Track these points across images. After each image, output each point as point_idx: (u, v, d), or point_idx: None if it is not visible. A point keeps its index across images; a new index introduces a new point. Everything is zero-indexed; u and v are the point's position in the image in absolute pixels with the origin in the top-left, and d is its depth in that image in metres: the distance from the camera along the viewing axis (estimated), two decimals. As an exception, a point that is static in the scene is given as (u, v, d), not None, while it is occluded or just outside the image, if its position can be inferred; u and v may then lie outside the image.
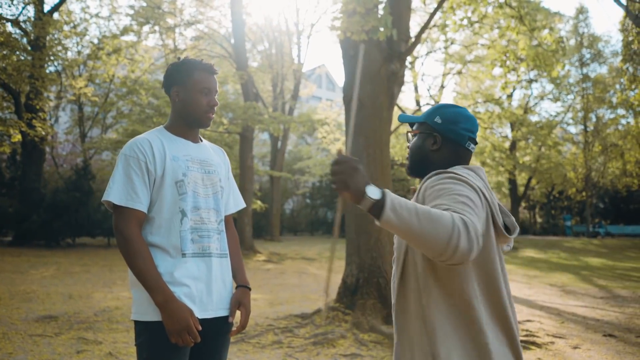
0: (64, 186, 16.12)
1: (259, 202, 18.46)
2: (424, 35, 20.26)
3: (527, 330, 5.55)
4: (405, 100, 26.96)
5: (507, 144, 25.85)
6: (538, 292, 8.88)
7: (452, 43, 18.37)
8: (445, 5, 7.00)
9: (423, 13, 19.67)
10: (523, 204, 32.41)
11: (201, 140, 2.07)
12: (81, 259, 12.30)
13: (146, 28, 20.97)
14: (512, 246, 1.53)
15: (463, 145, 1.55)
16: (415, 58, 21.81)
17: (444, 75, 22.51)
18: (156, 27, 21.23)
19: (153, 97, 14.15)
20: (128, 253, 1.77)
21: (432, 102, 22.21)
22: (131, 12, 20.84)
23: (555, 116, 26.58)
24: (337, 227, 1.32)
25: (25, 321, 5.35)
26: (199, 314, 1.84)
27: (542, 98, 26.41)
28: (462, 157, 1.55)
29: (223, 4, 21.90)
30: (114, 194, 1.82)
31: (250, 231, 15.08)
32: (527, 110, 25.60)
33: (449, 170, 1.43)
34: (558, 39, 8.11)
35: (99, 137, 20.02)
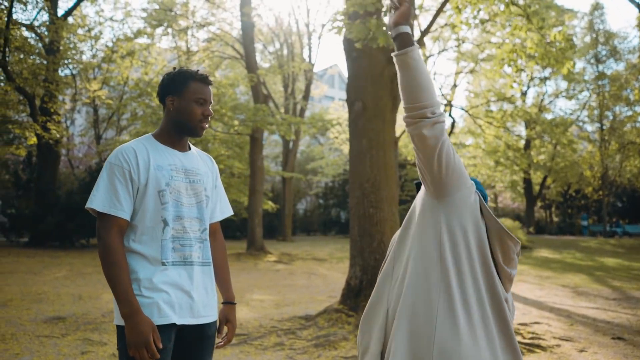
0: (79, 188, 16.36)
1: (270, 202, 18.52)
2: (435, 34, 20.14)
3: (533, 333, 5.49)
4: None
5: (521, 143, 25.57)
6: (549, 294, 8.77)
7: (463, 42, 18.21)
8: (451, 5, 6.94)
9: (430, 15, 19.53)
10: (539, 203, 32.02)
11: (189, 149, 2.09)
12: (94, 260, 12.47)
13: (159, 30, 21.18)
14: (514, 275, 1.62)
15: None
16: (427, 57, 21.69)
17: (457, 73, 22.33)
18: (169, 30, 21.43)
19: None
20: (105, 261, 1.81)
21: (444, 102, 22.06)
22: (144, 15, 21.07)
23: (571, 114, 26.22)
24: None
25: (34, 322, 5.45)
26: (179, 320, 1.86)
27: (557, 96, 26.06)
28: None
29: (234, 5, 22.06)
30: (97, 201, 1.85)
31: (260, 232, 15.14)
32: (541, 108, 25.28)
33: None
34: (568, 36, 7.99)
35: (114, 139, 20.29)
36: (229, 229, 23.82)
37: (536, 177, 27.91)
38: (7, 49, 14.23)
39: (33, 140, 16.07)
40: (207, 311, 1.98)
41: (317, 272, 11.43)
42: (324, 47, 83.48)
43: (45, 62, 15.41)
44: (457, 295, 1.41)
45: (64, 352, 4.38)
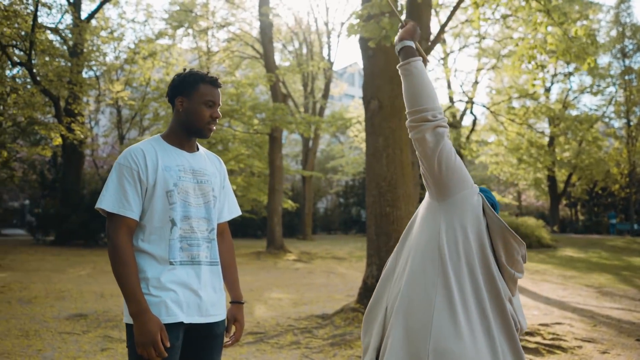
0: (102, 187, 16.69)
1: (289, 201, 18.58)
2: (455, 31, 19.93)
3: (554, 334, 5.39)
4: (439, 97, 26.60)
5: (545, 140, 25.11)
6: (573, 294, 8.60)
7: (484, 38, 17.97)
8: (469, 1, 6.85)
9: (448, 12, 19.33)
10: (564, 201, 31.40)
11: (198, 149, 2.11)
12: (117, 258, 12.68)
13: (180, 31, 21.43)
14: (519, 277, 1.63)
15: None
16: (447, 54, 21.47)
17: (478, 70, 22.05)
18: (189, 30, 21.67)
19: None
20: (113, 260, 1.84)
21: (465, 99, 21.81)
22: (165, 16, 21.35)
23: (596, 110, 25.63)
24: None
25: (56, 319, 5.58)
26: (186, 319, 1.88)
27: (581, 92, 25.52)
28: None
29: (254, 5, 22.18)
30: (106, 201, 1.89)
31: (280, 231, 15.20)
32: (565, 104, 24.78)
33: None
34: (590, 31, 7.82)
35: (136, 139, 20.60)
36: (249, 228, 23.98)
37: (561, 175, 27.37)
38: (32, 52, 14.57)
39: (58, 141, 16.42)
40: (215, 310, 2.00)
41: (336, 271, 11.43)
42: (344, 46, 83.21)
43: (69, 64, 15.73)
44: (455, 293, 1.41)
45: (84, 348, 4.47)
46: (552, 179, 27.03)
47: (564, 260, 15.24)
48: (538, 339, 5.14)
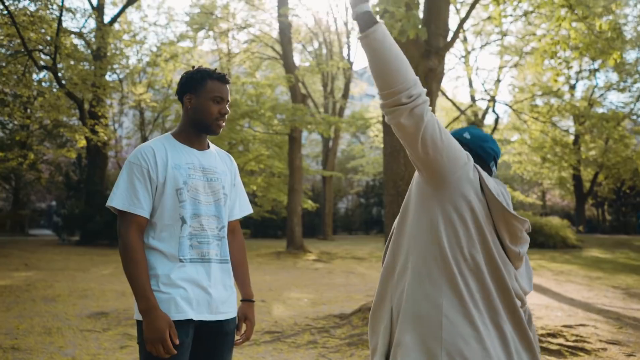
0: (125, 188, 16.94)
1: (309, 201, 18.58)
2: (477, 28, 19.67)
3: (577, 336, 5.26)
4: (460, 95, 26.30)
5: (570, 138, 24.60)
6: (598, 295, 8.39)
7: (505, 35, 17.69)
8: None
9: (467, 7, 19.13)
10: (590, 201, 30.71)
11: (208, 147, 2.11)
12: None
13: (201, 34, 21.68)
14: (520, 253, 1.49)
15: (487, 163, 1.57)
16: (469, 52, 21.21)
17: (500, 68, 21.72)
18: (210, 33, 21.90)
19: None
20: (124, 257, 1.85)
21: (487, 97, 21.51)
22: (187, 19, 21.59)
23: (623, 107, 24.97)
24: None
25: (78, 317, 5.67)
26: (196, 316, 1.89)
27: (608, 89, 24.91)
28: None
29: (273, 6, 22.24)
30: (117, 199, 1.90)
31: (299, 231, 15.22)
32: (591, 102, 24.23)
33: None
34: (615, 25, 7.62)
35: (158, 141, 20.88)
36: (270, 228, 24.08)
37: (587, 174, 26.78)
38: (57, 56, 14.88)
39: (82, 143, 16.74)
40: (225, 308, 2.00)
41: (356, 271, 11.38)
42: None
43: (93, 67, 16.02)
44: (462, 291, 1.34)
45: (104, 346, 4.53)
46: (577, 178, 26.46)
47: (589, 260, 14.90)
48: (561, 340, 5.03)
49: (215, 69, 2.06)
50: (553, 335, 5.20)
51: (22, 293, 7.11)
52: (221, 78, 2.01)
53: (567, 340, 5.07)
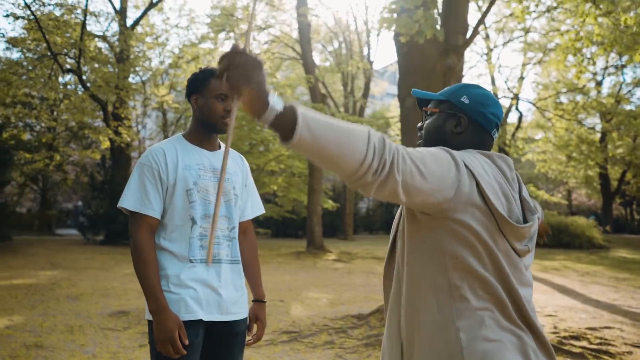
0: (148, 188, 17.20)
1: (330, 201, 18.56)
2: (499, 25, 19.39)
3: (601, 338, 5.13)
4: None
5: (596, 136, 24.05)
6: (625, 297, 8.18)
7: (528, 31, 17.39)
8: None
9: (488, 3, 18.85)
10: (617, 200, 29.98)
11: (219, 147, 2.12)
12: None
13: (222, 35, 21.84)
14: (530, 249, 1.31)
15: (489, 131, 1.37)
16: (491, 50, 20.92)
17: (523, 65, 21.37)
18: (231, 34, 22.06)
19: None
20: (135, 258, 1.86)
21: (510, 95, 21.18)
22: (208, 20, 21.80)
23: (652, 104, 24.31)
24: (221, 182, 1.16)
25: (100, 315, 5.77)
26: (206, 316, 1.89)
27: (636, 85, 24.27)
28: (486, 145, 1.38)
29: (294, 6, 22.30)
30: (128, 200, 1.92)
31: (319, 231, 15.21)
32: (618, 98, 23.64)
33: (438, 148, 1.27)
34: (641, 20, 7.40)
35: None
36: (290, 228, 24.15)
37: (614, 172, 26.14)
38: (82, 59, 15.18)
39: (106, 144, 17.06)
40: (236, 308, 2.00)
41: (376, 271, 11.32)
42: (384, 44, 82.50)
43: (116, 70, 16.30)
44: (480, 317, 1.21)
45: (124, 344, 4.60)
46: (604, 177, 25.85)
47: (616, 261, 14.54)
48: (584, 343, 4.91)
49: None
50: (576, 338, 5.08)
51: (47, 291, 7.27)
52: None
53: (591, 343, 4.95)
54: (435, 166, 1.15)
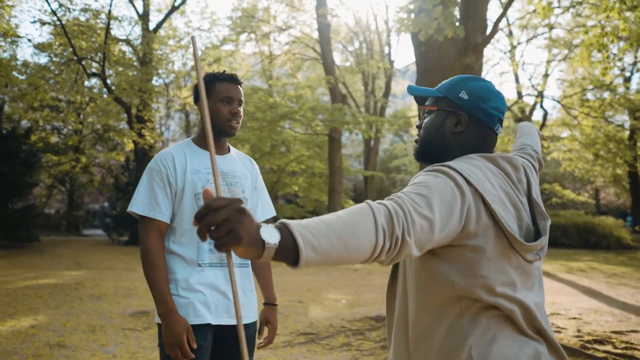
0: (171, 189, 17.47)
1: (350, 201, 18.53)
2: (522, 22, 19.05)
3: (627, 342, 4.99)
4: (505, 91, 25.52)
5: (625, 134, 23.40)
6: (654, 299, 7.96)
7: (552, 28, 17.04)
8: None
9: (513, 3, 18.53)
10: (648, 199, 29.12)
11: (229, 151, 2.12)
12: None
13: (243, 37, 22.04)
14: (541, 257, 1.26)
15: (492, 127, 1.29)
16: (514, 47, 20.58)
17: (548, 62, 20.95)
18: (252, 35, 22.22)
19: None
20: (144, 262, 1.88)
21: (535, 92, 20.80)
22: (229, 22, 21.98)
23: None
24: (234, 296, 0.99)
25: (122, 315, 5.87)
26: (214, 320, 1.90)
27: (666, 80, 23.57)
28: (488, 142, 1.31)
29: (314, 6, 22.35)
30: (137, 204, 1.94)
31: (341, 231, 15.18)
32: (648, 94, 22.97)
33: (447, 163, 1.20)
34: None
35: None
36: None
37: (644, 171, 25.42)
38: (106, 63, 15.47)
39: (130, 146, 17.34)
40: (245, 312, 2.01)
41: (397, 272, 11.25)
42: (405, 43, 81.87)
43: (139, 73, 16.58)
44: (492, 342, 1.18)
45: (143, 344, 4.66)
46: (633, 175, 25.12)
47: (646, 262, 14.14)
48: (608, 347, 4.79)
49: (224, 70, 2.06)
50: (600, 342, 4.96)
51: (72, 291, 7.43)
52: (229, 78, 2.01)
53: (616, 347, 4.82)
54: (441, 206, 1.07)
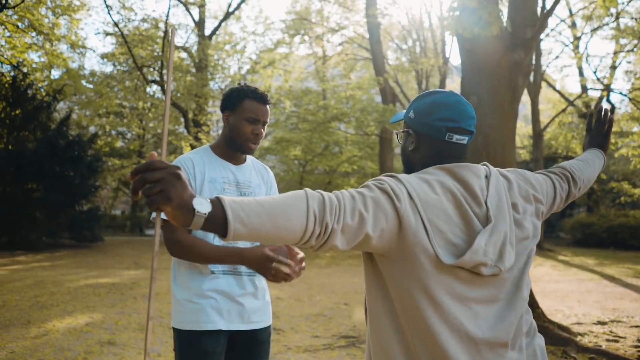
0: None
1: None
2: (586, 13, 18.05)
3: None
4: (569, 85, 24.30)
5: None
6: None
7: (618, 17, 16.03)
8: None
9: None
10: None
11: (245, 161, 2.14)
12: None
13: (297, 39, 22.28)
14: (504, 268, 1.18)
15: (441, 138, 1.29)
16: (578, 38, 19.56)
17: (615, 53, 19.73)
18: (305, 37, 22.42)
19: (295, 106, 14.97)
20: (185, 253, 1.88)
21: (601, 86, 19.67)
22: (283, 26, 22.30)
23: None
24: (155, 255, 1.01)
25: (170, 314, 6.06)
26: (226, 326, 1.92)
27: None
28: (445, 153, 1.30)
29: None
30: None
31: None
32: None
33: (395, 174, 1.22)
34: None
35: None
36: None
37: None
38: (164, 70, 16.10)
39: (187, 149, 17.93)
40: (258, 317, 2.02)
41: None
42: (466, 39, 79.87)
43: (195, 79, 17.15)
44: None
45: (187, 344, 4.80)
46: None
47: None
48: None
49: (255, 88, 2.07)
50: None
51: (127, 290, 7.77)
52: (259, 98, 2.01)
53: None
54: (376, 208, 1.11)
